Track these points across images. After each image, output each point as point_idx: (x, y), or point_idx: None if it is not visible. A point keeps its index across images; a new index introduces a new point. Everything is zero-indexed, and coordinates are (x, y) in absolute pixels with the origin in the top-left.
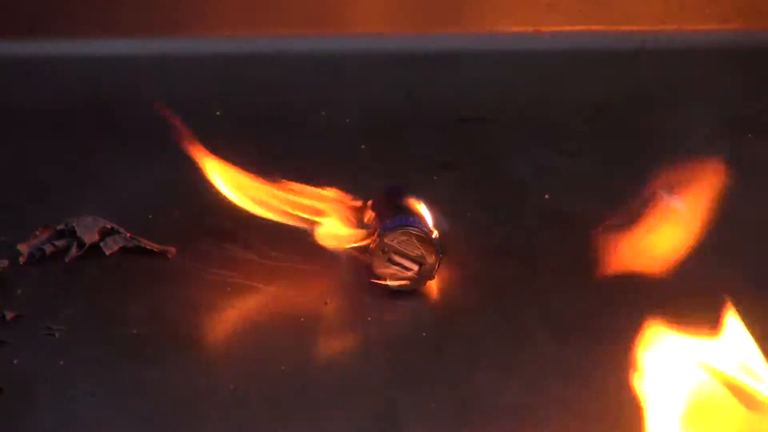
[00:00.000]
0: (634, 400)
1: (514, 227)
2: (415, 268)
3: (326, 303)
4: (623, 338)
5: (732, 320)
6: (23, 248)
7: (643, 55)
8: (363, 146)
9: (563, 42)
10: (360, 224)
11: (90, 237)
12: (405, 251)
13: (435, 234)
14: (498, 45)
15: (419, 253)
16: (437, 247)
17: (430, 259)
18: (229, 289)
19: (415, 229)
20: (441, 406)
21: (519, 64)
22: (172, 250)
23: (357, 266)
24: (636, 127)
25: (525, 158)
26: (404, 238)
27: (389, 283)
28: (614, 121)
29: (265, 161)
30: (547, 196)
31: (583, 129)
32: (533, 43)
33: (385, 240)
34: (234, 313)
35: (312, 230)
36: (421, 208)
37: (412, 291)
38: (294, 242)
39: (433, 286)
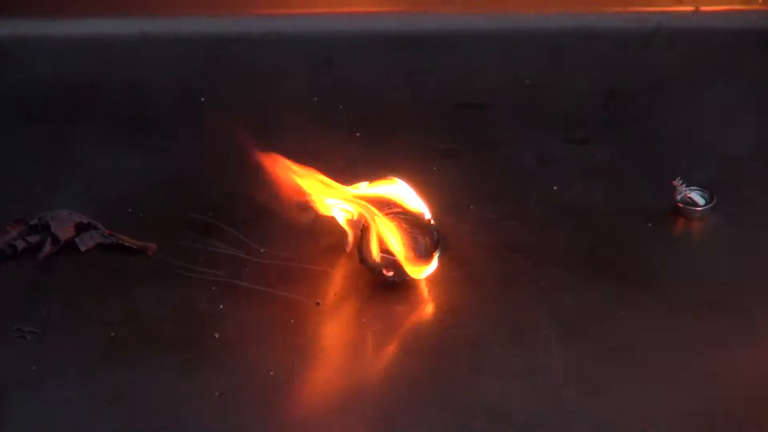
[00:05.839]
0: (638, 401)
1: (519, 221)
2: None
3: (318, 304)
4: (635, 339)
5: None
6: None
7: (659, 38)
8: (358, 134)
9: (572, 23)
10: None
11: (65, 233)
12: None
13: (428, 216)
14: (502, 25)
15: (413, 236)
16: (432, 229)
17: (424, 241)
18: (214, 288)
19: (406, 214)
20: (440, 411)
21: (524, 46)
22: (153, 246)
23: (351, 260)
24: (650, 114)
25: (531, 147)
26: (395, 223)
27: (385, 273)
28: (627, 108)
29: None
30: (555, 188)
31: (593, 116)
32: (540, 23)
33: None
34: (219, 315)
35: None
36: (412, 192)
37: (408, 281)
38: (283, 239)
39: (432, 283)
